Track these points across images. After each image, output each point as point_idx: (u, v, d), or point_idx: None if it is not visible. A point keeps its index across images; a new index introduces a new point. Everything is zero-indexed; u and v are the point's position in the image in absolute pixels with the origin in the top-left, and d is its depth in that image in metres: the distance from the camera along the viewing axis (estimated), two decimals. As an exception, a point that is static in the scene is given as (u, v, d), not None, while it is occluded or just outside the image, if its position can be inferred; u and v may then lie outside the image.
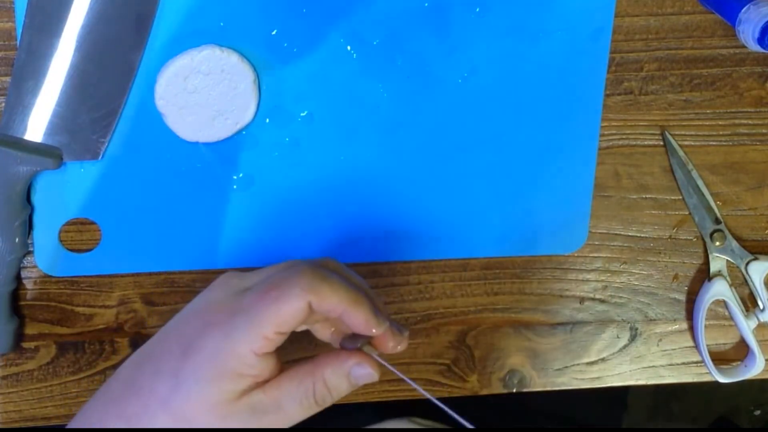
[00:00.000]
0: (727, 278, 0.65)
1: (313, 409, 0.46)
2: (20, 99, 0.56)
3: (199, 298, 0.48)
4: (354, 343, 0.48)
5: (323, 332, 0.50)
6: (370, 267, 0.63)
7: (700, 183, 0.64)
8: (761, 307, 0.66)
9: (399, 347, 0.49)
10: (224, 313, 0.45)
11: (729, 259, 0.65)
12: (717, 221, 0.64)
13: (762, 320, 0.66)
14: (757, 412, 1.30)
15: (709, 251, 0.65)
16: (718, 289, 0.65)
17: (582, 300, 0.66)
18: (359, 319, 0.46)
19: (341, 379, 0.46)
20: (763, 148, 0.65)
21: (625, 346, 0.67)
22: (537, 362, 0.67)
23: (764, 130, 0.64)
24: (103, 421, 0.46)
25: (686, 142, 0.64)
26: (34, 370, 0.62)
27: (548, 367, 0.67)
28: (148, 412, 0.45)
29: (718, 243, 0.65)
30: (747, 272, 0.65)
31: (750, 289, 0.66)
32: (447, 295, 0.65)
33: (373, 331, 0.47)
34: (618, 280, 0.66)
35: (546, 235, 0.64)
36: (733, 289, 0.65)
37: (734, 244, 0.65)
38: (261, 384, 0.46)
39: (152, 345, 0.48)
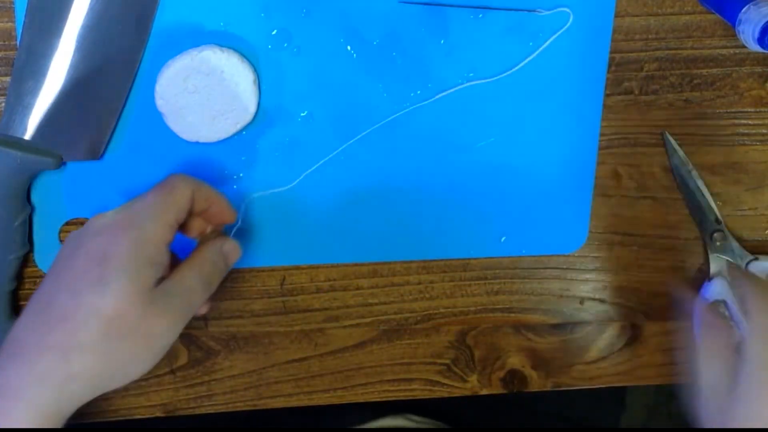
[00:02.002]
0: (728, 278, 0.65)
1: (208, 287, 0.53)
2: (20, 99, 0.56)
3: (78, 232, 0.52)
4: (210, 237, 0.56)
5: (192, 230, 0.56)
6: (370, 267, 0.64)
7: (700, 183, 0.64)
8: None
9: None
10: (124, 222, 0.51)
11: (729, 259, 0.65)
12: (717, 221, 0.64)
13: None
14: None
15: (709, 251, 0.65)
16: (719, 290, 0.65)
17: (582, 300, 0.66)
18: (224, 205, 0.56)
19: (219, 256, 0.55)
20: (763, 148, 0.65)
21: (625, 346, 0.67)
22: (537, 362, 0.67)
23: (764, 130, 0.64)
24: (29, 355, 0.48)
25: (686, 142, 0.64)
26: (34, 370, 0.62)
27: (548, 367, 0.67)
28: (78, 330, 0.48)
29: (718, 243, 0.65)
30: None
31: None
32: (447, 295, 0.65)
33: (231, 218, 0.56)
34: (618, 280, 0.66)
35: (546, 235, 0.64)
36: (734, 290, 0.65)
37: (734, 244, 0.65)
38: (166, 274, 0.52)
39: (55, 277, 0.50)
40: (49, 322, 0.49)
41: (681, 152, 0.63)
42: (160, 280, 0.51)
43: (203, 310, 0.57)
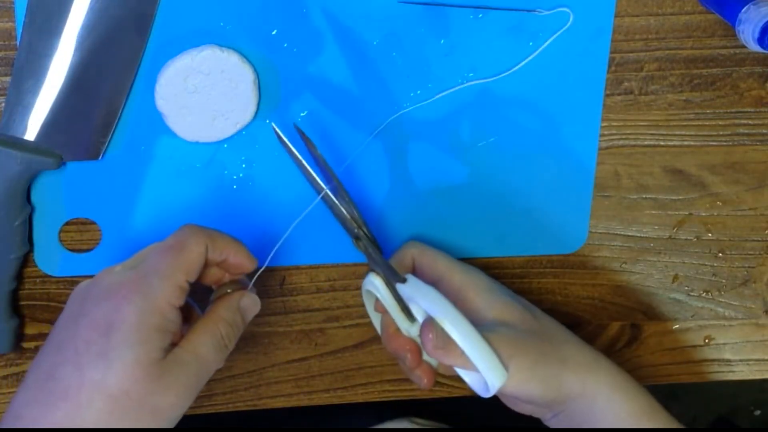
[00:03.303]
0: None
1: (224, 350, 0.51)
2: (20, 99, 0.56)
3: (85, 290, 0.49)
4: (226, 289, 0.53)
5: (208, 279, 0.53)
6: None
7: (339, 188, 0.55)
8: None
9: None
10: (129, 285, 0.47)
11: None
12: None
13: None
14: (757, 412, 1.30)
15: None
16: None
17: (582, 300, 0.66)
18: (244, 255, 0.52)
19: (235, 314, 0.51)
20: (763, 148, 0.65)
21: (625, 346, 0.67)
22: (537, 362, 0.67)
23: (764, 130, 0.64)
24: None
25: (686, 142, 0.64)
26: (34, 370, 0.62)
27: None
28: (82, 407, 0.46)
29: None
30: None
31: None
32: (447, 295, 0.65)
33: (251, 266, 0.53)
34: (618, 280, 0.66)
35: (546, 235, 0.64)
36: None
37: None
38: (176, 341, 0.49)
39: (57, 347, 0.48)
40: (51, 399, 0.46)
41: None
42: (172, 345, 0.48)
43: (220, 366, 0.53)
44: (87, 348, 0.46)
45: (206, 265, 0.51)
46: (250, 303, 0.53)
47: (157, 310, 0.47)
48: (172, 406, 0.47)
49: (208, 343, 0.49)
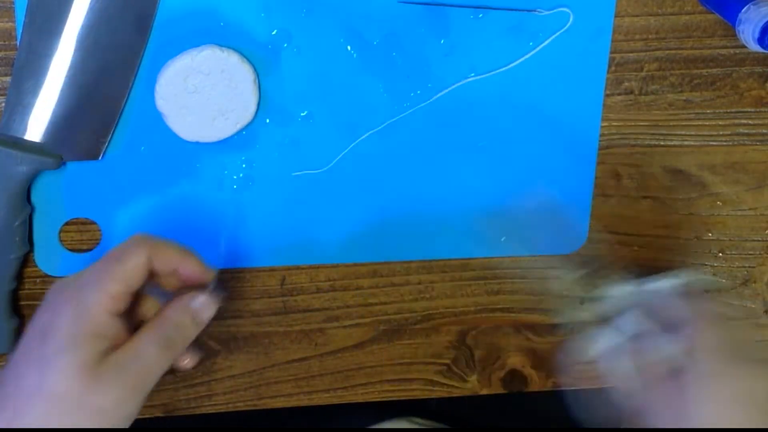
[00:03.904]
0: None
1: (167, 353, 0.50)
2: (20, 99, 0.56)
3: (43, 299, 0.50)
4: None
5: (168, 286, 0.53)
6: (370, 267, 0.64)
7: None
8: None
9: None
10: (70, 292, 0.49)
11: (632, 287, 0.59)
12: None
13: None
14: (757, 412, 1.30)
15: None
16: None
17: (582, 300, 0.66)
18: (194, 266, 0.52)
19: (184, 315, 0.51)
20: (763, 148, 0.65)
21: (625, 346, 0.67)
22: (537, 362, 0.67)
23: (764, 130, 0.64)
24: None
25: (686, 142, 0.64)
26: (34, 370, 0.62)
27: (548, 367, 0.67)
28: (21, 413, 0.47)
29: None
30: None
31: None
32: (447, 295, 0.65)
33: (206, 277, 0.52)
34: (618, 280, 0.66)
35: (546, 235, 0.64)
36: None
37: None
38: (119, 343, 0.49)
39: (14, 352, 0.49)
40: (0, 400, 0.48)
41: None
42: (115, 348, 0.48)
43: (187, 364, 0.54)
44: (26, 355, 0.48)
45: (155, 274, 0.51)
46: (202, 304, 0.52)
47: (90, 317, 0.48)
48: (115, 406, 0.47)
49: (151, 343, 0.49)
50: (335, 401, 0.66)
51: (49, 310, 0.49)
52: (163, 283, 0.53)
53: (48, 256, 0.60)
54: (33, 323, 0.49)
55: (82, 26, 0.56)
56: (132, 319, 0.51)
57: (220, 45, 0.57)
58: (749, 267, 0.67)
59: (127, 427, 0.49)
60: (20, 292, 0.61)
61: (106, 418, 0.47)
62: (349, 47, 0.59)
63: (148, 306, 0.53)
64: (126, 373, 0.48)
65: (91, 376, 0.47)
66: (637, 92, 0.63)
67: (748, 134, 0.64)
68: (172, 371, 0.56)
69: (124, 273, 0.49)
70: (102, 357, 0.47)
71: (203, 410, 0.65)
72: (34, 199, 0.58)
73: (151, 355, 0.49)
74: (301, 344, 0.65)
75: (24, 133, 0.57)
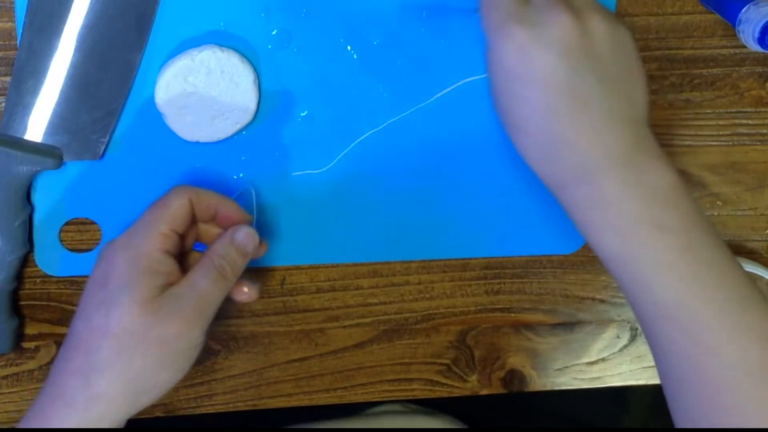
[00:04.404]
0: None
1: (221, 282, 0.53)
2: (20, 99, 0.56)
3: (96, 260, 0.54)
4: None
5: (206, 237, 0.57)
6: (370, 267, 0.64)
7: None
8: None
9: (261, 250, 0.57)
10: (122, 242, 0.53)
11: None
12: None
13: None
14: (757, 412, 1.30)
15: None
16: None
17: (582, 300, 0.66)
18: (232, 209, 0.55)
19: (229, 246, 0.54)
20: (763, 148, 0.65)
21: (625, 346, 0.67)
22: (537, 362, 0.67)
23: (764, 130, 0.64)
24: (59, 383, 0.51)
25: (686, 142, 0.64)
26: (34, 370, 0.62)
27: (548, 367, 0.67)
28: (93, 352, 0.50)
29: None
30: None
31: None
32: (447, 295, 0.65)
33: (243, 220, 0.55)
34: (618, 280, 0.66)
35: (546, 235, 0.64)
36: None
37: None
38: (175, 280, 0.52)
39: (77, 310, 0.53)
40: (69, 350, 0.51)
41: None
42: (171, 285, 0.52)
43: (244, 297, 0.56)
44: (91, 301, 0.51)
45: (196, 220, 0.55)
46: (245, 235, 0.54)
47: (143, 255, 0.51)
48: (177, 336, 0.51)
49: (203, 275, 0.52)
50: (335, 401, 0.66)
51: (105, 261, 0.52)
52: (204, 237, 0.56)
53: (48, 256, 0.60)
54: (91, 277, 0.52)
55: (82, 26, 0.56)
56: (183, 268, 0.54)
57: (220, 45, 0.57)
58: (749, 267, 0.67)
59: (192, 358, 0.52)
60: (20, 292, 0.61)
61: (170, 348, 0.51)
62: (349, 47, 0.59)
63: (196, 258, 0.56)
64: (184, 303, 0.51)
65: (152, 309, 0.50)
66: (637, 92, 0.63)
67: (748, 134, 0.64)
68: (235, 305, 0.62)
69: (170, 214, 0.53)
70: (160, 291, 0.51)
71: (203, 410, 0.65)
72: (34, 199, 0.58)
73: (205, 285, 0.52)
74: (301, 344, 0.65)
75: (24, 133, 0.57)
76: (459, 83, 0.60)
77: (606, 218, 0.50)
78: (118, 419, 0.51)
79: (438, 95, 0.60)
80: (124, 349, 0.50)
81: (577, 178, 0.50)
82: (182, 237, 0.54)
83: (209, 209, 0.55)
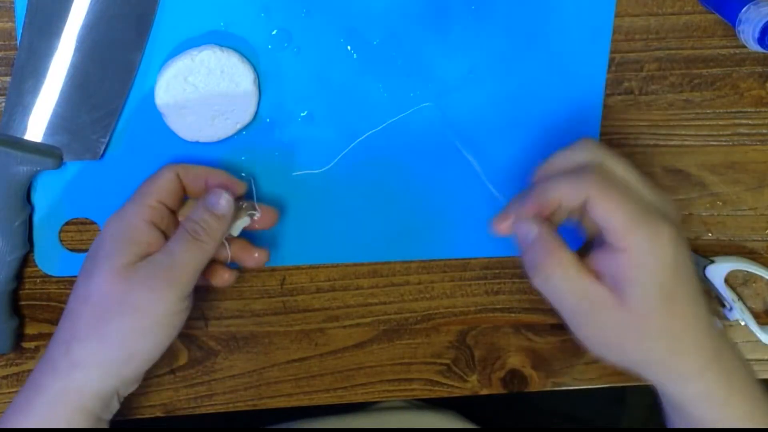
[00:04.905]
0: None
1: (194, 245, 0.53)
2: (20, 99, 0.56)
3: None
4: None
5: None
6: (370, 267, 0.64)
7: None
8: (728, 306, 0.65)
9: (270, 214, 0.57)
10: (114, 216, 0.54)
11: None
12: None
13: (732, 319, 0.65)
14: (757, 412, 1.30)
15: None
16: None
17: (582, 300, 0.66)
18: (222, 176, 0.56)
19: (203, 211, 0.54)
20: (763, 148, 0.65)
21: (625, 346, 0.67)
22: (537, 362, 0.67)
23: (764, 130, 0.64)
24: (49, 351, 0.53)
25: (686, 142, 0.64)
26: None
27: (548, 367, 0.67)
28: (75, 320, 0.52)
29: None
30: (706, 276, 0.64)
31: (714, 293, 0.66)
32: (447, 295, 0.65)
33: (236, 188, 0.56)
34: (618, 280, 0.66)
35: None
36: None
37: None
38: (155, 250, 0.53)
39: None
40: (61, 320, 0.54)
41: None
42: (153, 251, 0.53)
43: (253, 262, 0.57)
44: (81, 273, 0.54)
45: (187, 191, 0.56)
46: (213, 194, 0.54)
47: (128, 225, 0.53)
48: (154, 301, 0.51)
49: (178, 241, 0.53)
50: (335, 401, 0.66)
51: (99, 235, 0.54)
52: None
53: (48, 256, 0.60)
54: (89, 249, 0.54)
55: (82, 26, 0.56)
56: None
57: (220, 45, 0.57)
58: (749, 267, 0.67)
59: (172, 327, 0.53)
60: (20, 292, 0.61)
61: (146, 314, 0.51)
62: (349, 47, 0.59)
63: None
64: (157, 268, 0.52)
65: (127, 275, 0.51)
66: (637, 92, 0.63)
67: (748, 134, 0.64)
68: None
69: (156, 185, 0.54)
70: (139, 259, 0.52)
71: (203, 410, 0.65)
72: (34, 199, 0.58)
73: (178, 249, 0.52)
74: (301, 344, 0.65)
75: (24, 133, 0.57)
76: (459, 84, 0.60)
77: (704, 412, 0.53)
78: (103, 389, 0.52)
79: (438, 96, 0.60)
80: (101, 316, 0.51)
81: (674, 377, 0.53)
82: (173, 212, 0.56)
83: (198, 180, 0.56)
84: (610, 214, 0.50)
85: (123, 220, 0.54)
